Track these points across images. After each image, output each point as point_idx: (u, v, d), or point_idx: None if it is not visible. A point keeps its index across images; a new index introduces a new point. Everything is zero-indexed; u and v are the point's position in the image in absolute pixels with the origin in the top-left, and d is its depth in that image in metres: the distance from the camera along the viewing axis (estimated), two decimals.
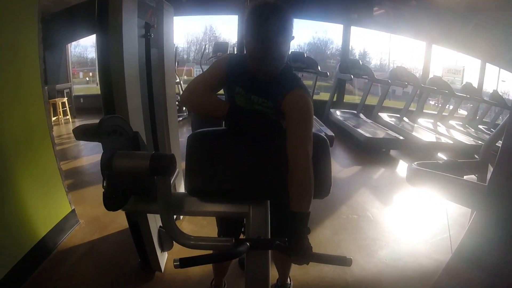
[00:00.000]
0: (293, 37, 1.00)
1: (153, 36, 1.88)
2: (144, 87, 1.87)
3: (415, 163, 1.55)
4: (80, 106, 6.86)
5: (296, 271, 1.91)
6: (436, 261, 2.15)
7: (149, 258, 1.85)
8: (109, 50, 1.51)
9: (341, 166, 4.30)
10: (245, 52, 1.05)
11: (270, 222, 1.02)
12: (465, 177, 1.78)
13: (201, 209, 1.03)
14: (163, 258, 1.92)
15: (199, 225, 2.40)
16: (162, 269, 1.90)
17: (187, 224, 2.41)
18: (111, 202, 0.93)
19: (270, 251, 1.01)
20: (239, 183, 0.99)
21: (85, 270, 1.93)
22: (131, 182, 1.01)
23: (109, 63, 1.52)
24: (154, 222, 1.76)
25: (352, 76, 6.32)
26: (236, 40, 7.28)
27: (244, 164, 1.01)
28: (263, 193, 1.02)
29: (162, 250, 1.88)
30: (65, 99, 6.03)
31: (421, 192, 3.02)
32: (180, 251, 2.07)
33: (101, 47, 1.54)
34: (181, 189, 2.46)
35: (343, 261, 0.91)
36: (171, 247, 1.88)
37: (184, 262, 0.83)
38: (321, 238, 2.38)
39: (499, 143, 1.25)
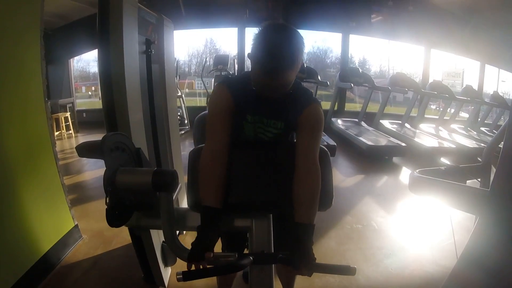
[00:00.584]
0: (302, 62, 0.97)
1: (154, 52, 1.91)
2: (146, 102, 1.89)
3: (417, 170, 1.55)
4: (83, 120, 6.92)
5: (301, 283, 1.88)
6: (443, 268, 2.13)
7: (152, 273, 1.84)
8: (111, 66, 1.53)
9: (344, 176, 4.28)
10: (249, 71, 1.00)
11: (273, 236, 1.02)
12: (468, 181, 1.78)
13: None
14: (167, 273, 1.91)
15: None
16: (166, 284, 1.88)
17: (190, 239, 2.38)
18: (114, 218, 0.94)
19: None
20: (241, 197, 0.99)
21: (88, 285, 1.92)
22: (134, 198, 1.02)
23: (111, 79, 1.54)
24: (157, 237, 1.75)
25: (352, 85, 6.36)
26: (237, 52, 7.36)
27: (246, 178, 1.01)
28: (266, 206, 1.02)
29: (166, 265, 1.87)
30: (68, 114, 6.09)
31: (425, 199, 3.00)
32: (184, 265, 2.05)
33: (103, 64, 1.55)
34: (184, 203, 2.46)
35: (347, 270, 0.90)
36: (174, 262, 1.87)
37: (187, 275, 0.83)
38: (326, 249, 2.37)
39: (502, 145, 1.25)
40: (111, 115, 1.55)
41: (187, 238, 2.40)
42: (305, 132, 1.03)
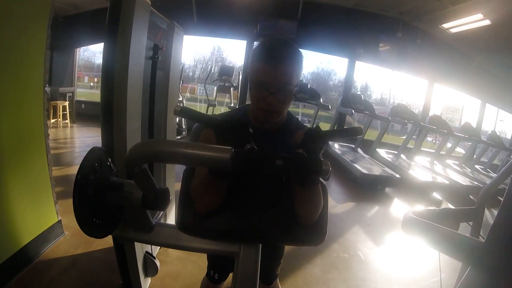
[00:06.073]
0: (301, 80, 0.98)
1: (160, 59, 1.89)
2: (146, 107, 1.86)
3: (412, 211, 1.52)
4: (81, 111, 6.88)
5: None
6: None
7: (131, 281, 1.79)
8: (115, 69, 1.47)
9: (335, 202, 4.24)
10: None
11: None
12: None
13: (189, 244, 1.00)
14: (146, 283, 1.86)
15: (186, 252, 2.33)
16: None
17: (172, 251, 2.35)
18: (98, 228, 0.91)
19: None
20: (232, 223, 0.96)
21: (65, 285, 1.86)
22: (121, 211, 0.99)
23: (113, 82, 1.47)
24: (140, 246, 1.71)
25: (353, 111, 6.36)
26: (243, 64, 7.38)
27: (239, 204, 0.98)
28: (257, 236, 0.99)
29: (146, 275, 1.82)
30: (67, 103, 6.04)
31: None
32: (165, 277, 2.01)
33: (106, 65, 1.48)
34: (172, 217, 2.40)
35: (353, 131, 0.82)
36: (155, 273, 1.83)
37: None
38: (310, 276, 2.32)
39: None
40: (108, 119, 1.48)
41: (170, 250, 2.34)
42: None
